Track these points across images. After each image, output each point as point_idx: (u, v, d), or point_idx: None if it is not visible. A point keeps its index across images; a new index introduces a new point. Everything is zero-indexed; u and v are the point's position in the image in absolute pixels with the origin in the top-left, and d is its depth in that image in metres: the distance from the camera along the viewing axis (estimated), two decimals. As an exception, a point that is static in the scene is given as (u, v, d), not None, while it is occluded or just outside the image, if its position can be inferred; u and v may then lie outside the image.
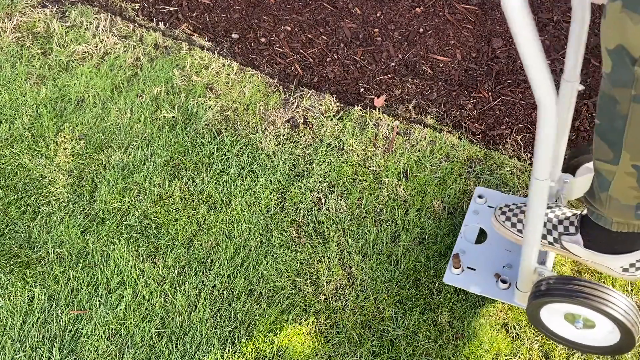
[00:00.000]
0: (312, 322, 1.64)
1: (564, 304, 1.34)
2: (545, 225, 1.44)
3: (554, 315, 1.43)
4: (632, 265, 1.36)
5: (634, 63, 1.02)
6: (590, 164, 1.57)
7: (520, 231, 1.52)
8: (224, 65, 2.17)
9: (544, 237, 1.45)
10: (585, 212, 1.40)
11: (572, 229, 1.41)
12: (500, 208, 1.59)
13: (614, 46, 1.03)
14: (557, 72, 2.17)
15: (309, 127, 2.02)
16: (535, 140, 1.06)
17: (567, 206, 1.53)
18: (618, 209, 1.24)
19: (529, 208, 1.23)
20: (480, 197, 1.77)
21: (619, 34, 1.01)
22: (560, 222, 1.44)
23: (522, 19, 0.82)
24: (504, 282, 1.59)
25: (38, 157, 1.91)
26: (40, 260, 1.72)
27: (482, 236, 1.72)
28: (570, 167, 1.62)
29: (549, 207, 1.49)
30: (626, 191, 1.20)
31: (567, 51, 1.30)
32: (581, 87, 1.33)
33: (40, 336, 1.60)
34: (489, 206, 1.75)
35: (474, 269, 1.63)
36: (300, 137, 1.99)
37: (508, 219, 1.56)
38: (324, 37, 2.28)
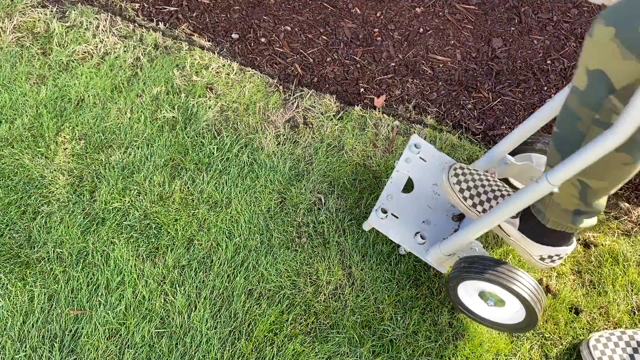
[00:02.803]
0: (312, 322, 1.64)
1: (479, 281, 1.45)
2: (490, 202, 1.53)
3: (469, 292, 1.53)
4: (549, 257, 1.48)
5: (610, 92, 1.02)
6: (535, 156, 1.65)
7: (465, 198, 1.57)
8: (224, 65, 2.17)
9: (484, 211, 1.54)
10: None
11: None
12: (455, 169, 1.61)
13: (595, 68, 1.03)
14: (557, 71, 2.17)
15: (309, 127, 2.02)
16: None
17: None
18: (557, 211, 1.35)
19: (511, 202, 1.29)
20: (416, 146, 1.79)
21: (605, 60, 1.01)
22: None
23: None
24: (422, 237, 1.64)
25: (38, 157, 1.91)
26: (40, 260, 1.72)
27: (409, 185, 1.76)
28: (521, 150, 1.69)
29: (497, 184, 1.57)
30: (568, 198, 1.30)
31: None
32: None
33: (40, 336, 1.60)
34: (421, 157, 1.77)
35: (397, 217, 1.67)
36: (300, 137, 1.99)
37: (459, 182, 1.59)
38: (324, 37, 2.28)
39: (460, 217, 1.70)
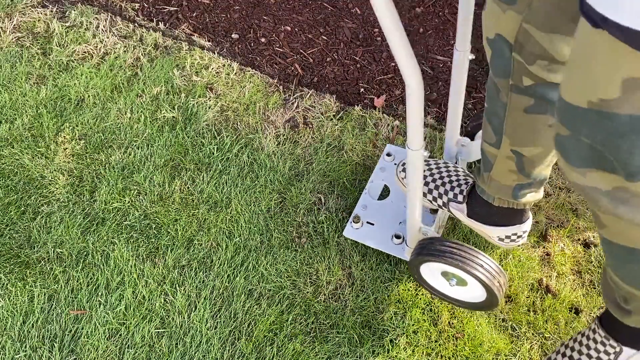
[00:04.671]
0: (312, 322, 1.64)
1: (438, 263, 1.47)
2: (438, 189, 1.56)
3: (432, 272, 1.56)
4: (507, 237, 1.49)
5: (511, 50, 1.06)
6: None
7: None
8: (224, 65, 2.17)
9: (434, 199, 1.57)
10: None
11: (460, 197, 1.52)
12: (403, 164, 1.65)
13: (493, 35, 1.09)
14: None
15: (309, 127, 2.02)
16: (406, 114, 1.14)
17: (464, 169, 1.64)
18: (498, 188, 1.37)
19: (408, 175, 1.32)
20: (388, 154, 1.83)
21: (495, 23, 1.07)
22: (452, 188, 1.55)
23: (385, 6, 0.88)
24: (397, 237, 1.66)
25: (38, 157, 1.91)
26: (40, 260, 1.72)
27: (386, 192, 1.78)
28: (470, 131, 1.74)
29: (448, 170, 1.59)
30: (506, 174, 1.31)
31: (458, 22, 1.38)
32: (472, 56, 1.41)
33: (40, 336, 1.60)
34: (394, 164, 1.81)
35: (373, 224, 1.70)
36: (300, 137, 1.99)
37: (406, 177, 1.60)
38: (324, 37, 2.28)
39: (436, 210, 1.70)
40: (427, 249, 1.48)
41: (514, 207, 1.43)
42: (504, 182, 1.35)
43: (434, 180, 1.58)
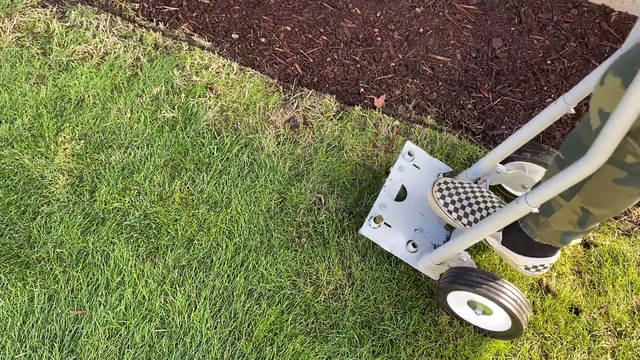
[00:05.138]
0: (312, 322, 1.64)
1: (465, 292, 1.49)
2: (474, 214, 1.57)
3: (459, 301, 1.57)
4: (534, 267, 1.51)
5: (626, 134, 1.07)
6: (528, 165, 1.69)
7: (450, 211, 1.60)
8: (224, 65, 2.17)
9: (466, 222, 1.58)
10: None
11: None
12: (439, 184, 1.64)
13: (608, 110, 1.10)
14: (557, 71, 2.17)
15: (309, 127, 2.02)
16: (550, 179, 1.14)
17: (492, 193, 1.64)
18: (548, 231, 1.40)
19: (491, 219, 1.32)
20: (409, 154, 1.80)
21: (612, 100, 1.07)
22: (488, 215, 1.55)
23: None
24: (414, 246, 1.65)
25: (38, 157, 1.91)
26: (40, 260, 1.72)
27: (402, 192, 1.77)
28: (513, 158, 1.71)
29: (482, 195, 1.60)
30: (564, 223, 1.34)
31: (581, 81, 1.36)
32: (572, 112, 1.41)
33: (40, 336, 1.60)
34: (414, 165, 1.78)
35: (390, 226, 1.68)
36: (300, 137, 1.99)
37: (443, 197, 1.62)
38: (324, 37, 2.28)
39: (449, 227, 1.71)
40: (458, 278, 1.48)
41: (551, 243, 1.45)
42: (557, 229, 1.37)
43: (470, 205, 1.58)
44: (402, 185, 1.76)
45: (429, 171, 1.79)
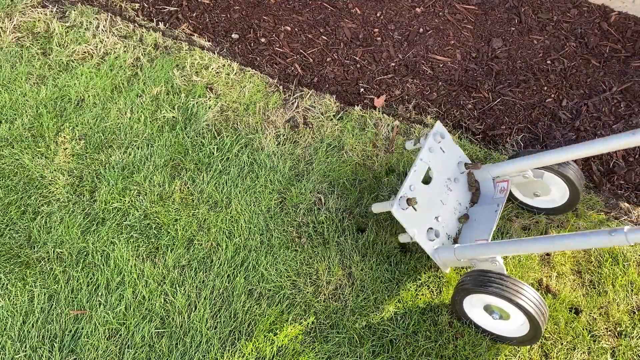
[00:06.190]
0: (312, 322, 1.64)
1: (486, 295, 1.46)
2: None
3: (475, 305, 1.55)
4: None
5: None
6: (548, 175, 1.69)
7: None
8: (224, 65, 2.17)
9: None
10: None
11: None
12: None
13: None
14: (557, 71, 2.17)
15: (309, 127, 2.02)
16: None
17: None
18: None
19: (568, 238, 1.31)
20: (441, 136, 1.71)
21: None
22: None
23: None
24: (436, 235, 1.61)
25: (38, 157, 1.91)
26: (40, 260, 1.72)
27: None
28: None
29: None
30: None
31: None
32: None
33: (40, 336, 1.60)
34: (441, 148, 1.71)
35: (416, 209, 1.60)
36: (300, 137, 1.99)
37: None
38: (324, 37, 2.28)
39: (465, 218, 1.69)
40: (481, 281, 1.45)
41: None
42: None
43: None
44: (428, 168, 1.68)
45: (453, 157, 1.72)
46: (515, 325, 1.52)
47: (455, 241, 1.65)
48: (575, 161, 1.86)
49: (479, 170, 1.72)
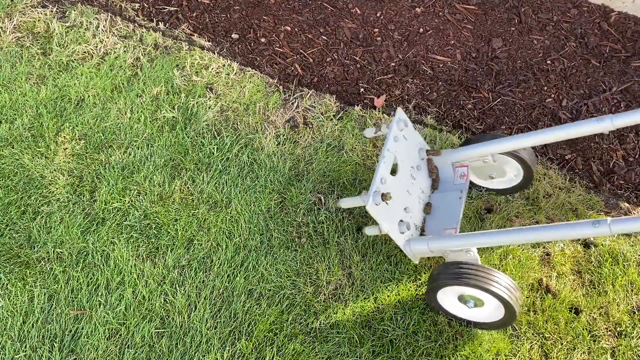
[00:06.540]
0: (312, 322, 1.64)
1: (460, 286, 1.48)
2: None
3: (449, 296, 1.56)
4: None
5: None
6: (501, 157, 1.72)
7: None
8: (224, 65, 2.17)
9: None
10: None
11: None
12: None
13: None
14: (557, 71, 2.17)
15: (309, 127, 2.02)
16: None
17: None
18: None
19: (549, 230, 1.32)
20: (405, 124, 1.67)
21: None
22: None
23: None
24: (407, 227, 1.60)
25: (38, 157, 1.91)
26: (40, 260, 1.72)
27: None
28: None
29: None
30: None
31: (636, 110, 1.40)
32: (607, 133, 1.48)
33: (40, 336, 1.60)
34: (404, 136, 1.67)
35: (387, 203, 1.56)
36: (300, 137, 1.99)
37: None
38: (324, 37, 2.28)
39: (428, 209, 1.69)
40: (449, 274, 1.47)
41: None
42: None
43: None
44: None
45: (414, 144, 1.69)
46: (489, 311, 1.54)
47: (422, 230, 1.64)
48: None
49: (439, 157, 1.72)
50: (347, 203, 1.61)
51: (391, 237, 1.59)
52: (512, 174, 1.77)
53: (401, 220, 1.58)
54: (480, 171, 1.78)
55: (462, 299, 1.54)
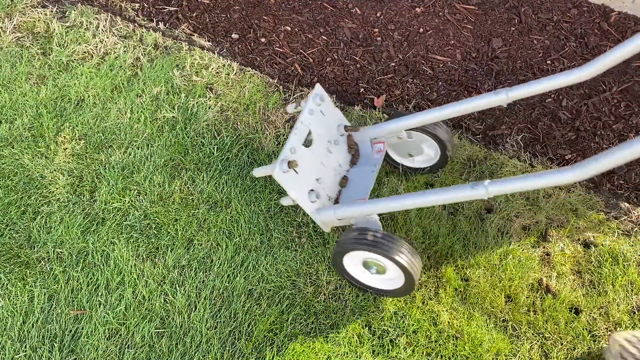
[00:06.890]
0: (312, 322, 1.64)
1: (363, 252, 1.53)
2: None
3: (354, 262, 1.61)
4: None
5: None
6: (417, 134, 1.77)
7: None
8: (224, 65, 2.17)
9: None
10: None
11: None
12: None
13: None
14: (557, 71, 2.17)
15: (309, 127, 2.02)
16: None
17: None
18: None
19: (436, 194, 1.39)
20: (320, 98, 1.71)
21: None
22: None
23: None
24: (317, 197, 1.64)
25: (38, 157, 1.91)
26: (40, 260, 1.72)
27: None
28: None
29: None
30: None
31: (529, 83, 1.47)
32: (504, 106, 1.50)
33: (40, 336, 1.60)
34: (321, 111, 1.71)
35: (297, 172, 1.60)
36: (300, 137, 1.99)
37: None
38: (324, 37, 2.28)
39: (345, 180, 1.71)
40: (358, 239, 1.52)
41: None
42: None
43: None
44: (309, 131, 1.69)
45: (332, 120, 1.75)
46: (390, 278, 1.60)
47: (336, 202, 1.68)
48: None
49: (358, 133, 1.75)
50: (259, 172, 1.63)
51: (300, 206, 1.61)
52: (431, 152, 1.81)
53: (312, 190, 1.63)
54: (399, 148, 1.82)
55: (366, 264, 1.59)
